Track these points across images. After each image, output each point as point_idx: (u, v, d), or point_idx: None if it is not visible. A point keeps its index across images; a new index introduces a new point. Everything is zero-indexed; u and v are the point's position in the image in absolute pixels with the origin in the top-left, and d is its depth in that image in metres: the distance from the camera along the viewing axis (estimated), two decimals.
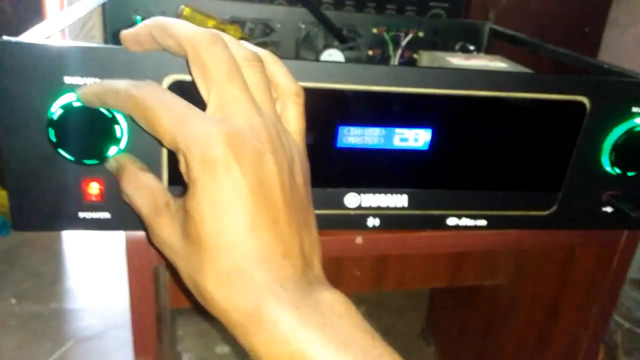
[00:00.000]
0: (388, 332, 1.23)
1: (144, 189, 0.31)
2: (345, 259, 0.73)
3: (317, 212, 0.42)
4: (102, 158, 0.35)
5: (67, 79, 0.33)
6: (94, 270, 1.33)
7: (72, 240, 1.44)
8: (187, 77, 0.35)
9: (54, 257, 1.39)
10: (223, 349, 1.12)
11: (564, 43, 0.59)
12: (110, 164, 0.35)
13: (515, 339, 0.78)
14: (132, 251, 0.41)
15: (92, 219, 0.38)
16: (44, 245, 1.41)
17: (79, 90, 0.32)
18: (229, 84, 0.28)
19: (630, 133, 0.43)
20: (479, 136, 0.42)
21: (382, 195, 0.43)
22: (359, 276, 0.74)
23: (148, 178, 0.32)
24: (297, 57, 0.66)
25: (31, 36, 0.35)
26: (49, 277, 1.30)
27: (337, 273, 0.74)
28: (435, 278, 0.79)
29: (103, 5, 0.59)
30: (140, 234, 0.41)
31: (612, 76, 0.48)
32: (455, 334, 1.02)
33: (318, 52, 0.64)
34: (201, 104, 0.36)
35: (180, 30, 0.29)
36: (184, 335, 1.13)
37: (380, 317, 1.27)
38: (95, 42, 0.64)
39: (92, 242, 1.42)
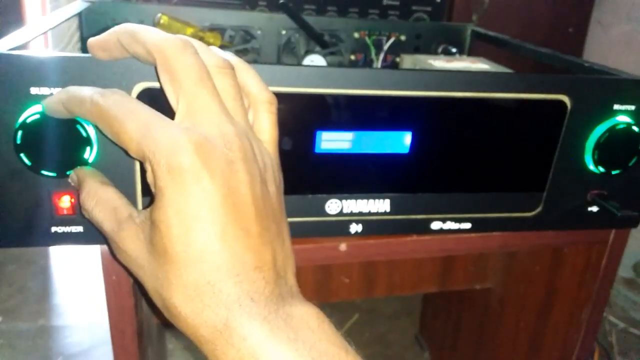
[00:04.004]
0: (382, 339, 1.21)
1: (104, 203, 0.30)
2: (332, 266, 0.73)
3: (298, 219, 0.41)
4: (62, 174, 0.34)
5: (34, 90, 0.32)
6: (81, 286, 1.31)
7: (59, 256, 1.42)
8: (158, 85, 0.33)
9: (41, 273, 1.36)
10: None
11: (549, 44, 0.59)
12: (72, 178, 0.34)
13: (508, 341, 0.77)
14: (108, 265, 0.40)
15: (64, 234, 0.37)
16: (31, 261, 1.39)
17: (44, 100, 0.31)
18: (198, 90, 0.27)
19: (612, 131, 0.42)
20: (460, 138, 0.42)
21: (364, 200, 0.42)
22: (347, 283, 0.73)
23: (108, 192, 0.31)
24: (279, 63, 0.66)
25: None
26: (35, 293, 1.28)
27: (325, 281, 0.73)
28: (425, 283, 0.79)
29: (80, 15, 0.58)
30: None
31: (593, 74, 0.48)
32: (449, 339, 1.01)
33: (300, 58, 0.64)
34: (172, 113, 0.35)
35: (148, 36, 0.28)
36: (174, 349, 1.11)
37: (373, 324, 1.25)
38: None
39: (79, 258, 1.40)
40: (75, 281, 1.34)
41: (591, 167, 0.44)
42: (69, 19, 0.52)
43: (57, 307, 1.26)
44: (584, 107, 0.42)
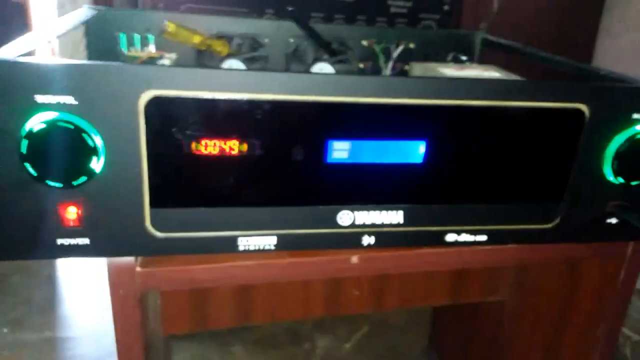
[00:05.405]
0: (392, 351, 1.20)
1: None
2: (343, 279, 0.71)
3: (309, 231, 0.40)
4: (69, 184, 0.33)
5: (40, 98, 0.32)
6: (88, 296, 1.30)
7: (66, 266, 1.41)
8: (166, 93, 0.33)
9: (47, 283, 1.35)
10: None
11: (557, 52, 0.58)
12: None
13: (521, 356, 0.76)
14: (116, 278, 0.39)
15: (71, 246, 0.36)
16: (37, 272, 1.38)
17: None
18: None
19: (632, 140, 0.41)
20: (475, 147, 0.40)
21: (377, 212, 0.41)
22: (358, 296, 0.72)
23: None
24: (287, 71, 0.65)
25: (3, 53, 0.33)
26: (41, 304, 1.27)
27: (335, 293, 0.71)
28: (436, 296, 0.77)
29: (86, 23, 0.57)
30: (124, 259, 0.39)
31: (610, 82, 0.47)
32: (460, 352, 0.99)
33: (308, 66, 0.63)
34: (181, 120, 0.34)
35: None
36: None
37: (383, 336, 1.24)
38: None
39: (86, 268, 1.39)
40: (82, 292, 1.33)
41: (610, 177, 0.43)
42: (75, 26, 0.51)
43: (63, 318, 1.25)
44: (603, 116, 0.41)
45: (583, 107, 0.40)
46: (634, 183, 0.43)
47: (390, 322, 1.27)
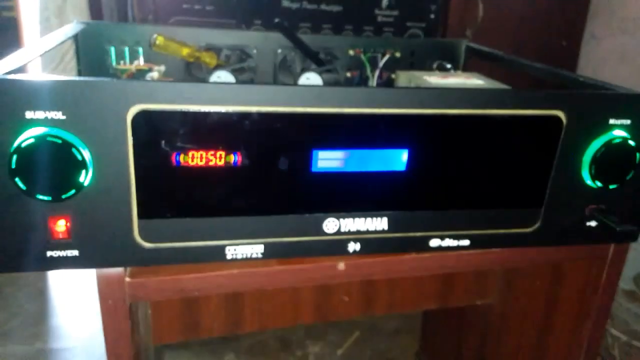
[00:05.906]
0: (382, 357, 1.20)
1: None
2: (332, 285, 0.72)
3: (296, 239, 0.41)
4: (58, 198, 0.34)
5: (29, 114, 0.32)
6: (79, 308, 1.30)
7: (57, 278, 1.41)
8: (153, 107, 0.34)
9: (38, 295, 1.35)
10: None
11: (542, 57, 0.59)
12: None
13: (510, 357, 0.76)
14: (104, 289, 0.39)
15: (60, 258, 0.36)
16: (29, 284, 1.38)
17: None
18: None
19: (608, 145, 0.42)
20: (457, 155, 0.42)
21: (362, 219, 0.42)
22: (347, 302, 0.72)
23: None
24: (275, 81, 0.66)
25: None
26: (33, 316, 1.27)
27: (324, 299, 0.72)
28: (425, 300, 0.78)
29: (75, 37, 0.58)
30: (113, 270, 0.39)
31: (588, 89, 0.48)
32: (450, 356, 1.00)
33: (296, 76, 0.64)
34: (168, 133, 0.35)
35: None
36: None
37: (374, 342, 1.24)
38: (74, 74, 0.63)
39: (77, 279, 1.39)
40: (73, 303, 1.33)
41: (588, 182, 0.44)
42: (65, 40, 0.52)
43: (54, 330, 1.24)
44: (580, 123, 0.42)
45: (560, 114, 0.41)
46: (611, 187, 0.44)
47: (381, 328, 1.28)
